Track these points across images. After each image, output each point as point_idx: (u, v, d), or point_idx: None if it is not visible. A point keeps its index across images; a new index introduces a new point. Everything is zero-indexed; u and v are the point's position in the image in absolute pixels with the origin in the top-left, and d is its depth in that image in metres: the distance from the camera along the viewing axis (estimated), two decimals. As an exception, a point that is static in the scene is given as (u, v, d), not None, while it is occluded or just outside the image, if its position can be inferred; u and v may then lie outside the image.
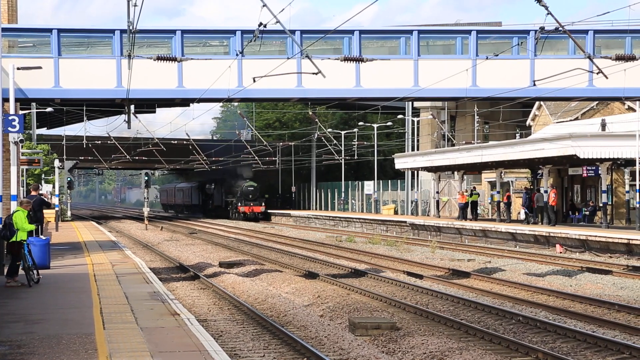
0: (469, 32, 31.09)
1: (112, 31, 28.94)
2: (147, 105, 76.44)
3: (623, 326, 20.03)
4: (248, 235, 62.87)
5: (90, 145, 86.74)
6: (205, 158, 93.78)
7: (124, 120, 32.05)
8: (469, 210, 58.70)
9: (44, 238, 28.50)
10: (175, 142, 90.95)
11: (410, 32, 30.96)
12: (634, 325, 20.23)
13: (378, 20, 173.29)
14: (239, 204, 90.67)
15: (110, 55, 28.80)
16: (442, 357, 16.59)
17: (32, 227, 24.32)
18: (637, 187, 47.19)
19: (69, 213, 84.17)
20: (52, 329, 16.00)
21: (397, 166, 69.60)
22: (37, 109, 65.53)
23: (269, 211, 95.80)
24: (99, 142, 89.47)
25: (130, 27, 25.95)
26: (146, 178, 70.44)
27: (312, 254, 43.43)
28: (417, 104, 80.00)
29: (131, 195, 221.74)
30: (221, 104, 75.61)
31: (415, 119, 79.09)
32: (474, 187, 64.92)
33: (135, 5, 24.18)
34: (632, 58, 27.15)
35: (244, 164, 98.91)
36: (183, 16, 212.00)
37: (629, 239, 38.46)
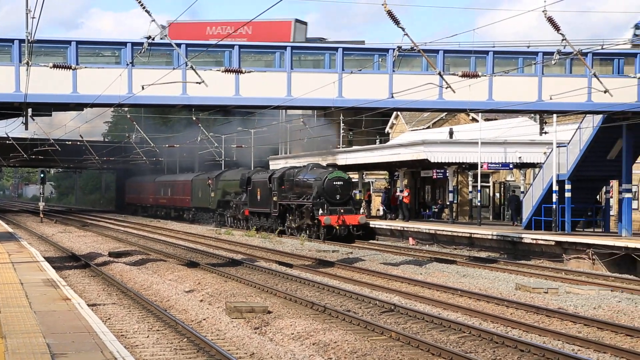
0: (336, 49, 31.41)
1: (12, 40, 28.37)
2: (44, 108, 74.74)
3: (464, 308, 20.48)
4: (136, 228, 62.03)
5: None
6: (97, 158, 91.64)
7: (22, 122, 31.36)
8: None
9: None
10: (70, 142, 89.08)
11: (284, 47, 31.13)
12: (473, 308, 20.71)
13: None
14: (320, 211, 45.37)
15: (9, 63, 28.20)
16: (308, 337, 16.69)
17: None
18: (479, 188, 48.36)
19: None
20: (-49, 312, 15.52)
21: (271, 167, 69.69)
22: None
23: None
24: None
25: (29, 37, 25.33)
26: (42, 175, 69.39)
27: (193, 245, 43.14)
28: (289, 111, 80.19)
29: (28, 190, 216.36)
30: (112, 108, 74.36)
31: (288, 125, 79.26)
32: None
33: (33, 18, 23.63)
34: (475, 75, 27.80)
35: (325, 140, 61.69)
36: (80, 29, 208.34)
37: (471, 233, 39.36)
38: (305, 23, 34.42)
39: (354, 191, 50.12)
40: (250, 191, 55.73)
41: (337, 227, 44.95)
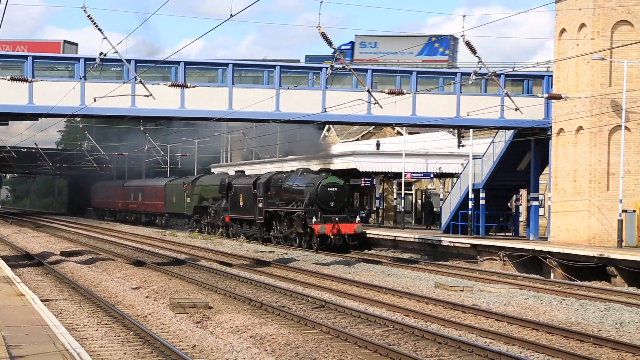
0: (274, 66, 31.51)
1: (-30, 55, 28.01)
2: (1, 118, 73.36)
3: (389, 305, 20.61)
4: (86, 229, 61.20)
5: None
6: (50, 164, 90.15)
7: (-20, 130, 30.97)
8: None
9: None
10: (25, 150, 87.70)
11: (226, 64, 31.13)
12: (397, 304, 20.84)
13: (203, 53, 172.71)
14: (312, 219, 38.50)
15: (-31, 75, 27.79)
16: (245, 331, 16.67)
17: None
18: (402, 195, 48.78)
19: None
20: None
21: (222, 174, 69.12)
22: None
23: None
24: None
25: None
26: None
27: (140, 246, 42.73)
28: (230, 123, 79.95)
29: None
30: (66, 119, 73.19)
31: (229, 136, 79.00)
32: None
33: (-8, 33, 23.35)
34: (400, 93, 28.10)
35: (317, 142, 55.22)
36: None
37: (395, 236, 39.61)
38: (75, 44, 35.17)
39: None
40: (232, 197, 48.51)
41: (332, 237, 38.44)
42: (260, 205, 44.06)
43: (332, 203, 39.33)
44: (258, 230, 44.97)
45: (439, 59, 55.99)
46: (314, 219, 38.41)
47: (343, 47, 57.34)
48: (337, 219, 38.68)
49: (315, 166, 50.21)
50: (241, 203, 47.03)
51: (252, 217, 45.48)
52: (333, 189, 39.59)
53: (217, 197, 52.09)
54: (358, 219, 39.75)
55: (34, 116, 30.94)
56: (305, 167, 43.21)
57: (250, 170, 60.06)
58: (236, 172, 53.72)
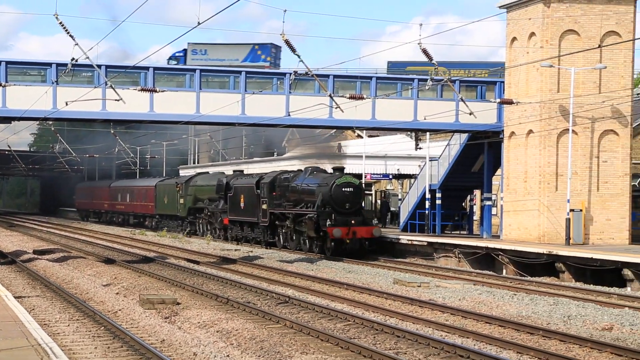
0: (239, 72, 31.52)
1: (-56, 60, 27.69)
2: (-26, 120, 72.20)
3: (350, 300, 20.66)
4: (58, 228, 60.62)
5: None
6: (24, 166, 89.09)
7: (-46, 133, 30.65)
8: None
9: None
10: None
11: (194, 70, 31.10)
12: (357, 299, 20.90)
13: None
14: (327, 221, 33.56)
15: (-57, 79, 27.44)
16: (212, 325, 16.65)
17: None
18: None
19: None
20: None
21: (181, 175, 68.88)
22: None
23: None
24: None
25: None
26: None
27: (111, 244, 42.42)
28: (198, 126, 79.63)
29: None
30: (38, 122, 72.33)
31: (197, 139, 78.71)
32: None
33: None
34: (361, 97, 28.25)
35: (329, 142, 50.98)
36: (10, 50, 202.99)
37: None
38: None
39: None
40: (231, 198, 43.24)
41: (348, 240, 33.70)
42: (264, 206, 38.94)
43: (348, 205, 34.28)
44: (262, 234, 40.06)
45: (261, 65, 57.77)
46: (327, 222, 33.58)
47: (177, 54, 58.75)
48: (353, 221, 33.88)
49: (276, 167, 50.27)
50: (242, 204, 41.76)
51: (254, 220, 40.34)
52: (348, 189, 34.46)
53: (213, 198, 47.24)
54: (375, 221, 35.26)
55: (7, 119, 30.65)
56: (314, 165, 39.29)
57: (214, 170, 59.83)
58: (234, 171, 49.86)
